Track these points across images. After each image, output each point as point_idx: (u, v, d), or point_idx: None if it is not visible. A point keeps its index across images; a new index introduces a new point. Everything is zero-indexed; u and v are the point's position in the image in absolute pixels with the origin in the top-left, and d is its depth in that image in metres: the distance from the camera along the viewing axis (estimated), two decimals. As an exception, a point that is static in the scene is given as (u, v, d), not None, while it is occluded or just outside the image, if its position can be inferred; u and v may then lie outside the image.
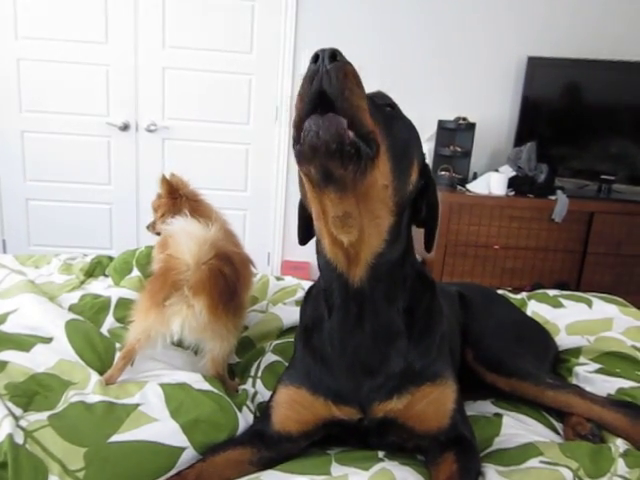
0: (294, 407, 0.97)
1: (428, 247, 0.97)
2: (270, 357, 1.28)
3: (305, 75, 0.70)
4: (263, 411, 1.05)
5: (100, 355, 1.20)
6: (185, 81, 3.35)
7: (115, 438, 0.93)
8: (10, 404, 0.97)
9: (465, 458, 0.91)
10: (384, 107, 0.83)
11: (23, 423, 0.93)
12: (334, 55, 0.69)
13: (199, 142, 3.43)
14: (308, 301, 1.06)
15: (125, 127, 3.35)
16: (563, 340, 1.46)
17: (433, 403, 0.94)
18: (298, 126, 0.71)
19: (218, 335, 1.11)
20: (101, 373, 1.14)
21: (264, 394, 1.17)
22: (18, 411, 0.97)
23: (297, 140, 0.71)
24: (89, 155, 3.41)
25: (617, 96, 3.20)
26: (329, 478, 0.87)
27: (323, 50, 0.69)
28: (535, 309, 1.66)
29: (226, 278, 1.10)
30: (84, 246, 3.34)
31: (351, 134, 0.68)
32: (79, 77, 3.30)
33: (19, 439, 0.89)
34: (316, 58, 0.69)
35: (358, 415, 0.94)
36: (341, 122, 0.68)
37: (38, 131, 3.36)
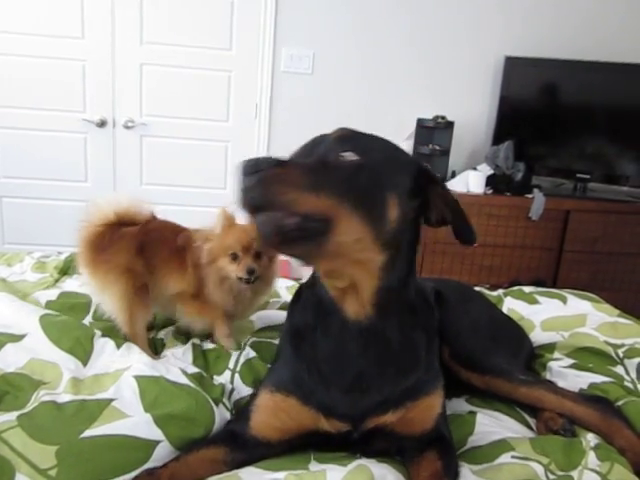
0: (278, 415, 0.95)
1: (466, 240, 0.92)
2: (249, 352, 1.27)
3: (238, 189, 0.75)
4: (241, 412, 1.04)
5: (79, 339, 1.19)
6: (163, 77, 3.31)
7: (87, 433, 0.92)
8: (-22, 406, 0.95)
9: (447, 456, 0.93)
10: (339, 163, 0.79)
11: (-9, 424, 0.91)
12: (253, 168, 0.72)
13: (178, 139, 3.39)
14: (297, 304, 1.05)
15: (102, 123, 3.30)
16: (538, 336, 1.48)
17: (424, 411, 0.96)
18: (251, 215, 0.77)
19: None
20: (82, 358, 1.13)
21: (241, 390, 1.16)
22: (-14, 412, 0.95)
23: None
24: (65, 152, 3.35)
25: (593, 96, 3.25)
26: (307, 473, 0.87)
27: (241, 166, 0.73)
28: (511, 306, 1.68)
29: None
30: (59, 244, 3.26)
31: (292, 221, 0.72)
32: (55, 72, 3.23)
33: (-16, 441, 0.87)
34: (241, 169, 0.73)
35: (347, 428, 0.93)
36: (275, 218, 0.72)
37: (12, 127, 3.29)
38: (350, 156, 0.80)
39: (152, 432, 0.95)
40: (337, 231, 0.75)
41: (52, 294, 1.49)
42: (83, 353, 1.16)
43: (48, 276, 1.62)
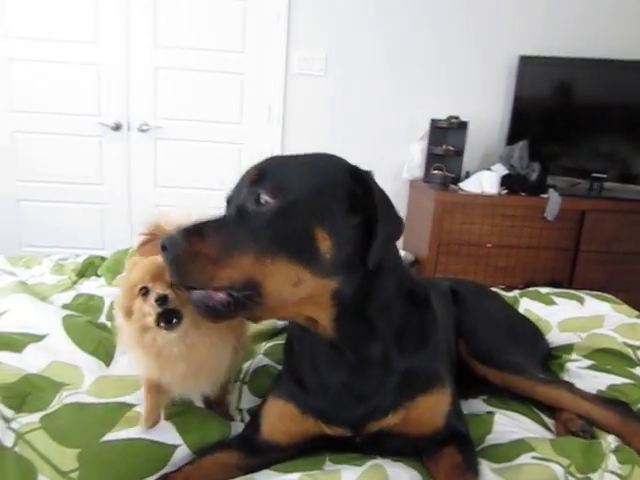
0: (283, 420, 0.96)
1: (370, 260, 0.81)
2: (261, 360, 1.27)
3: None
4: (253, 418, 1.04)
5: (102, 341, 1.21)
6: (177, 81, 3.33)
7: (108, 437, 0.93)
8: (1, 406, 0.96)
9: (466, 451, 0.92)
10: (255, 211, 0.77)
11: (15, 425, 0.93)
12: (164, 247, 0.73)
13: (191, 142, 3.41)
14: None
15: (117, 127, 3.33)
16: (555, 337, 1.47)
17: (429, 410, 0.94)
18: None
19: None
20: (105, 359, 1.14)
21: (250, 401, 1.16)
22: (9, 413, 0.96)
23: None
24: (81, 155, 3.39)
25: (609, 95, 3.22)
26: (321, 473, 0.87)
27: (161, 243, 0.73)
28: (527, 306, 1.67)
29: None
30: (76, 247, 3.31)
31: (219, 298, 0.73)
32: (70, 77, 3.27)
33: (8, 442, 0.88)
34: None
35: (350, 433, 0.93)
36: (203, 297, 0.73)
37: (29, 131, 3.34)
38: (265, 200, 0.76)
39: (171, 436, 0.96)
40: (268, 289, 0.74)
41: (68, 296, 1.51)
42: (106, 355, 1.18)
43: (66, 278, 1.65)
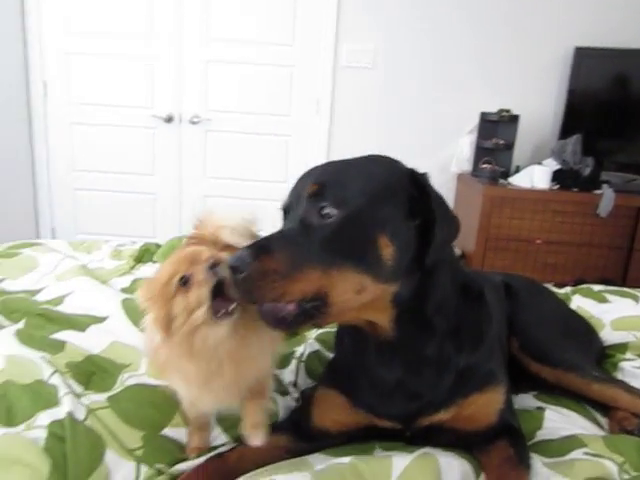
0: (334, 410, 0.97)
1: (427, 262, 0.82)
2: (313, 345, 1.30)
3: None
4: (304, 403, 1.07)
5: None
6: (227, 74, 3.40)
7: (169, 425, 1.00)
8: (72, 382, 1.02)
9: (518, 445, 0.92)
10: (319, 225, 0.77)
11: (84, 401, 0.98)
12: (234, 268, 0.73)
13: (240, 134, 3.48)
14: None
15: (169, 119, 3.42)
16: (608, 335, 1.43)
17: (482, 407, 0.94)
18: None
19: None
20: None
21: (307, 381, 1.20)
22: (79, 389, 1.02)
23: None
24: (134, 146, 3.51)
25: (668, 88, 3.10)
26: (372, 458, 0.89)
27: (228, 264, 0.74)
28: (579, 304, 1.63)
29: None
30: (128, 235, 3.43)
31: (289, 310, 0.74)
32: (125, 70, 3.39)
33: (80, 415, 0.93)
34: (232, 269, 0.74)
35: (400, 426, 0.94)
36: (274, 311, 0.74)
37: (86, 123, 3.47)
38: (329, 212, 0.77)
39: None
40: (334, 298, 0.75)
41: (127, 280, 1.58)
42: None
43: (124, 263, 1.71)
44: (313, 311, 0.75)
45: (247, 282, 0.72)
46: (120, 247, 1.85)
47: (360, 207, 0.78)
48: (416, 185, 0.82)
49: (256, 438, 0.88)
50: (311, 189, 0.80)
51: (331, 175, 0.82)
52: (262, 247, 0.75)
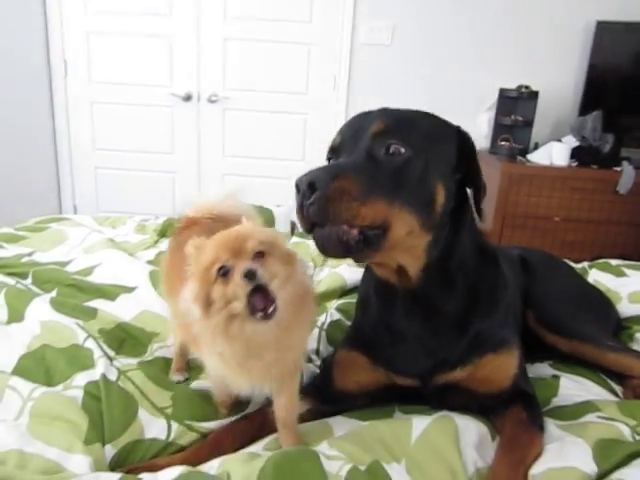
0: (355, 370, 1.01)
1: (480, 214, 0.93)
2: (334, 314, 1.34)
3: (296, 207, 0.78)
4: (325, 368, 1.11)
5: None
6: (245, 52, 3.40)
7: (196, 385, 1.05)
8: (105, 346, 1.08)
9: (531, 409, 0.95)
10: (387, 160, 0.80)
11: (117, 364, 1.04)
12: (312, 185, 0.74)
13: (258, 112, 3.49)
14: (366, 271, 1.09)
15: (188, 98, 3.45)
16: (625, 308, 1.45)
17: (496, 370, 0.97)
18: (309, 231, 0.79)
19: None
20: None
21: (328, 347, 1.24)
22: (111, 353, 1.07)
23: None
24: (153, 125, 3.54)
25: (692, 62, 3.04)
26: (392, 421, 0.93)
27: (300, 181, 0.75)
28: (597, 277, 1.65)
29: None
30: (148, 212, 3.47)
31: (354, 234, 0.75)
32: (144, 49, 3.41)
33: (112, 376, 0.99)
34: (297, 188, 0.76)
35: (418, 384, 0.97)
36: (338, 233, 0.75)
37: (106, 102, 3.51)
38: (397, 150, 0.80)
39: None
40: (392, 232, 0.78)
41: (152, 253, 1.63)
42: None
43: (148, 238, 1.76)
44: (373, 239, 0.77)
45: (323, 200, 0.73)
46: (144, 222, 1.90)
47: (425, 150, 0.82)
48: (462, 140, 0.88)
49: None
50: (377, 127, 0.82)
51: (395, 117, 0.85)
52: (338, 170, 0.78)
